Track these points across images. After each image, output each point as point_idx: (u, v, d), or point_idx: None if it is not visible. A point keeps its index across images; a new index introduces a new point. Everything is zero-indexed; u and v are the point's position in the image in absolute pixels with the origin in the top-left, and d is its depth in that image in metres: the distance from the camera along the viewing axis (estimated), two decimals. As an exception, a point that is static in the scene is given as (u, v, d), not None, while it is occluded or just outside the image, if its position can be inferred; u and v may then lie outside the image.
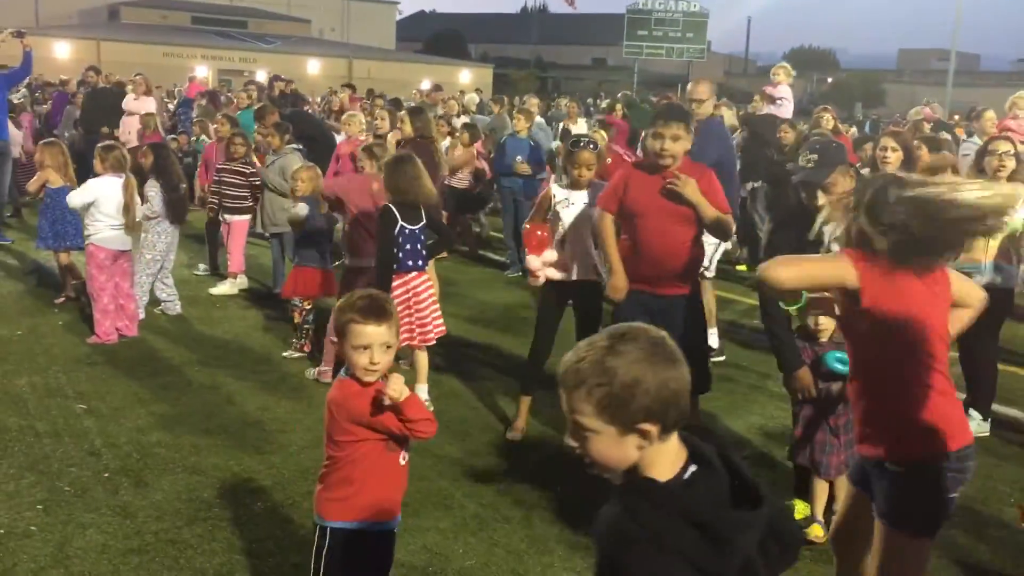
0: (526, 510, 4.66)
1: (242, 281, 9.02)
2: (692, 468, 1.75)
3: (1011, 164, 5.72)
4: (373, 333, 2.90)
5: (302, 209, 6.83)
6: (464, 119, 13.74)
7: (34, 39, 12.99)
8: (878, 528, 3.03)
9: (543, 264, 5.46)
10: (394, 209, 5.64)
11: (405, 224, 5.66)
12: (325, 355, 6.42)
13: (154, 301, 8.00)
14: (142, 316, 7.61)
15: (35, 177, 8.04)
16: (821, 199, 4.18)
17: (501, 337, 7.76)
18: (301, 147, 9.40)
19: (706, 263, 7.09)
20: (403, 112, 9.41)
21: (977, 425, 5.55)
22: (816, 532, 4.36)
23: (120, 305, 7.29)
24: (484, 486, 4.94)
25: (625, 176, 5.02)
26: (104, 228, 7.08)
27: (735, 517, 1.68)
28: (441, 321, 6.02)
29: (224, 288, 8.90)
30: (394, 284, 5.67)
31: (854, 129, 20.66)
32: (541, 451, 5.44)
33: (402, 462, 3.12)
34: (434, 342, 5.99)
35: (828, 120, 10.33)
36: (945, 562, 4.28)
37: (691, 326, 4.99)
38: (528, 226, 5.62)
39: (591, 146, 5.48)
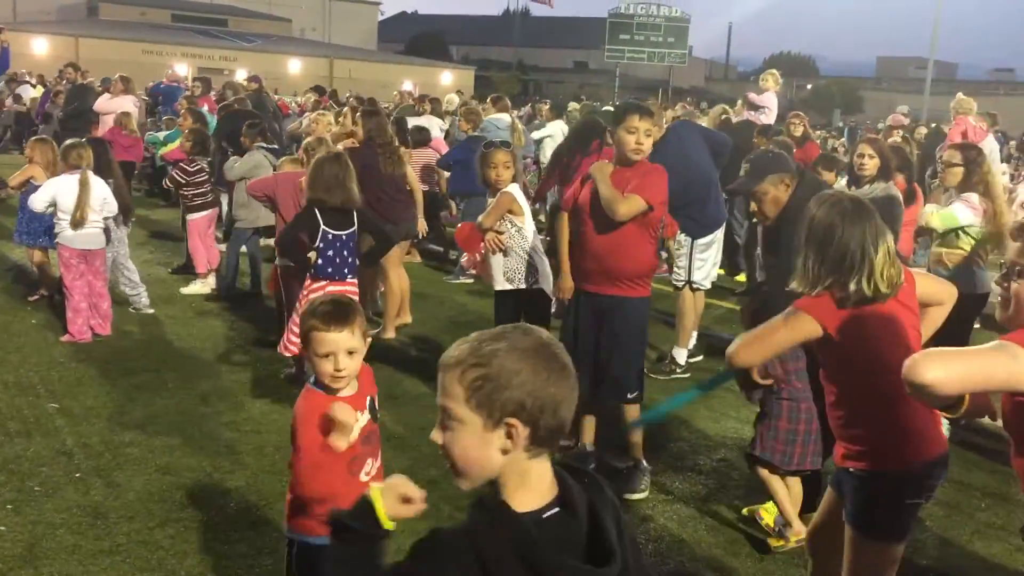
0: (501, 513, 4.65)
1: (210, 281, 8.93)
2: (555, 510, 1.64)
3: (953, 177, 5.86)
4: (336, 339, 2.84)
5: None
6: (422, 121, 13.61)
7: (12, 35, 12.93)
8: (846, 531, 3.07)
9: (479, 259, 5.54)
10: (317, 212, 5.45)
11: (328, 229, 5.47)
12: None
13: (126, 300, 7.93)
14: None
15: (19, 172, 7.91)
16: (752, 206, 4.34)
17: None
18: (275, 146, 9.31)
19: (679, 272, 7.13)
20: (358, 114, 9.01)
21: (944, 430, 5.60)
22: (795, 534, 4.38)
23: (93, 304, 7.23)
24: (460, 489, 4.91)
25: (583, 175, 5.06)
26: (66, 227, 6.99)
27: (574, 569, 1.57)
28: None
29: (195, 288, 8.82)
30: (313, 290, 5.46)
31: (819, 133, 20.86)
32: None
33: (364, 478, 2.97)
34: None
35: (797, 127, 10.43)
36: (914, 567, 4.31)
37: (627, 331, 4.91)
38: (460, 226, 5.66)
39: (504, 145, 5.52)
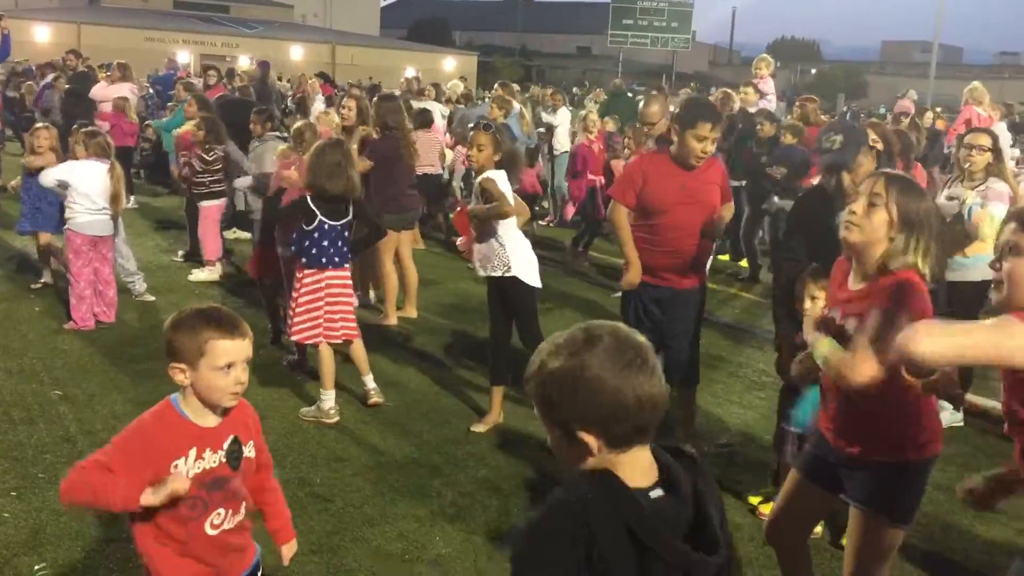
0: (503, 498, 4.67)
1: (218, 269, 8.93)
2: (658, 491, 1.65)
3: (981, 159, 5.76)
4: (238, 348, 2.51)
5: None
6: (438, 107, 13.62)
7: (13, 22, 12.88)
8: (855, 516, 3.08)
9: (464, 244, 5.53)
10: (311, 203, 5.42)
11: (325, 219, 5.44)
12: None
13: (127, 288, 7.93)
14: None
15: (38, 157, 7.86)
16: (846, 179, 4.21)
17: (480, 326, 7.73)
18: (286, 136, 9.29)
19: None
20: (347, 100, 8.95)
21: (950, 415, 5.59)
22: None
23: (99, 291, 7.24)
24: (461, 474, 4.94)
25: (642, 169, 4.99)
26: (82, 213, 7.01)
27: (683, 552, 1.56)
28: (354, 324, 5.70)
29: (202, 275, 8.83)
30: (308, 280, 5.49)
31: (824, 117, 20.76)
32: (519, 440, 5.44)
33: (210, 531, 2.56)
34: (340, 341, 5.66)
35: (814, 111, 10.37)
36: (918, 551, 4.32)
37: (695, 318, 5.12)
38: (459, 208, 5.66)
39: (487, 127, 5.45)
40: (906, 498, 3.05)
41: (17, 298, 7.88)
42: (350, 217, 5.60)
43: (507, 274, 5.37)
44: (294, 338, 5.69)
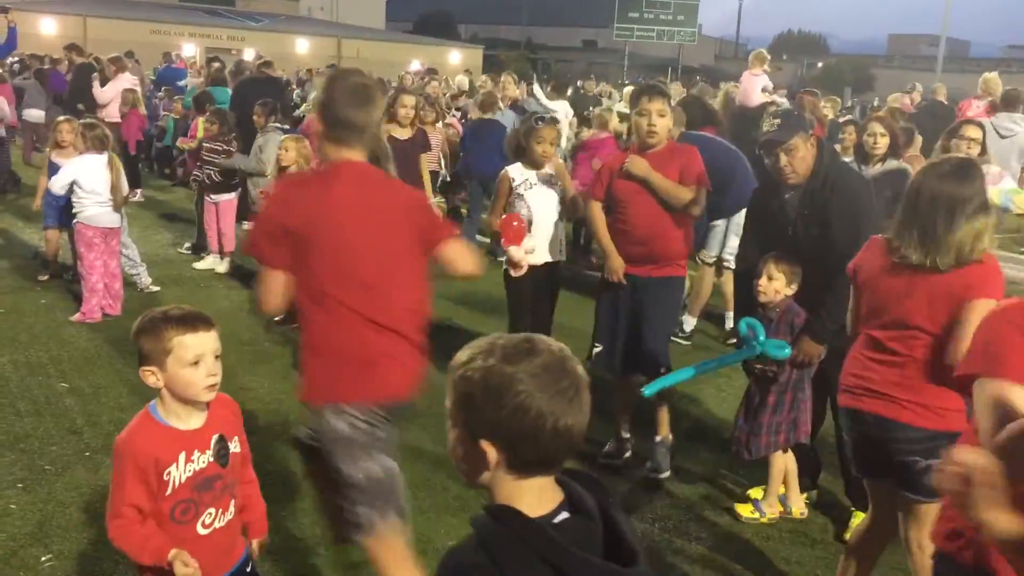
0: (508, 491, 4.67)
1: (227, 261, 8.95)
2: (564, 515, 1.56)
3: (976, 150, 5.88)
4: (204, 340, 2.53)
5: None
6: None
7: (19, 15, 12.88)
8: (916, 506, 3.16)
9: (525, 253, 5.38)
10: None
11: None
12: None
13: (130, 282, 7.94)
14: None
15: (63, 150, 7.87)
16: (782, 159, 4.21)
17: (484, 320, 7.74)
18: (287, 125, 9.31)
19: (711, 249, 7.24)
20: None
21: None
22: (771, 513, 4.53)
23: (106, 284, 7.26)
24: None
25: (611, 163, 5.07)
26: (91, 206, 7.04)
27: (602, 568, 1.49)
28: None
29: (208, 263, 8.86)
30: None
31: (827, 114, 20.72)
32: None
33: (202, 530, 2.58)
34: None
35: (812, 104, 10.34)
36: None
37: (668, 309, 5.09)
38: (503, 217, 5.36)
39: (553, 121, 5.51)
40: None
41: (23, 291, 7.90)
42: None
43: (560, 259, 5.53)
44: None
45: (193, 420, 2.58)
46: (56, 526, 4.15)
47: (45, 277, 8.16)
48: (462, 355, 1.59)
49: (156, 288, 8.03)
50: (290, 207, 3.09)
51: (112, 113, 12.15)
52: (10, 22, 11.57)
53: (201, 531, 2.57)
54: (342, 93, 3.13)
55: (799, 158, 4.21)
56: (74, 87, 13.68)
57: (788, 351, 3.93)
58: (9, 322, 7.04)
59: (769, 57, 12.18)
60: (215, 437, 2.60)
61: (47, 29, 36.09)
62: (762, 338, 3.98)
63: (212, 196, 8.87)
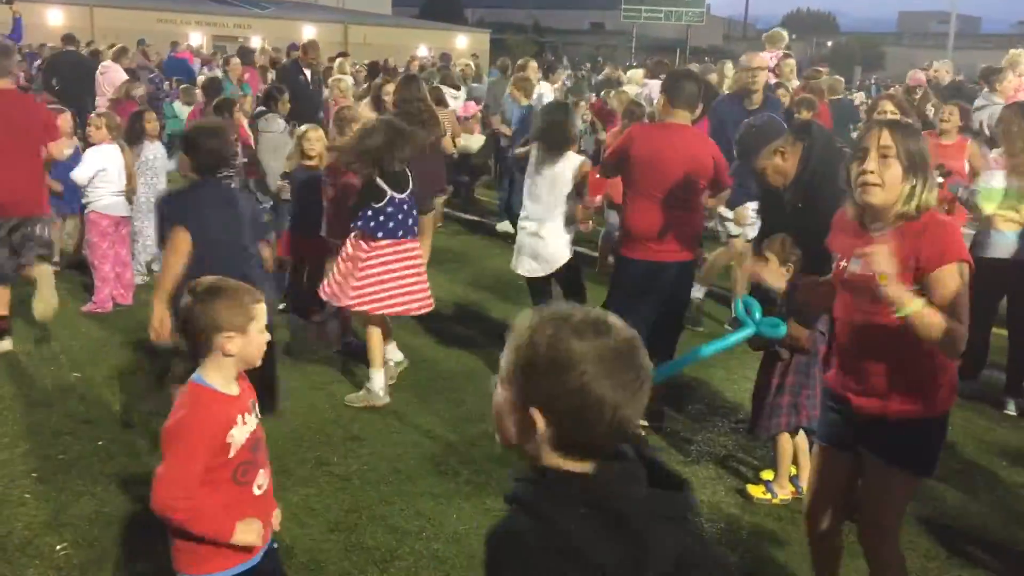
0: (519, 476, 4.68)
1: None
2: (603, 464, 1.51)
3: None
4: (263, 309, 2.68)
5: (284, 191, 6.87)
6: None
7: (24, 5, 12.85)
8: (879, 471, 3.08)
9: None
10: (381, 182, 5.39)
11: (394, 194, 5.42)
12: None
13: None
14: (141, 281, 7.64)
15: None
16: (767, 175, 4.41)
17: (495, 303, 7.75)
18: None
19: (748, 231, 7.21)
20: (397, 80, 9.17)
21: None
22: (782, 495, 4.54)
23: (117, 273, 7.28)
24: (478, 452, 4.95)
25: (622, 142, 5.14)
26: (106, 195, 7.06)
27: (650, 496, 1.47)
28: (429, 295, 5.71)
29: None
30: (386, 251, 5.44)
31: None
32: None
33: (256, 491, 2.71)
34: (420, 312, 5.72)
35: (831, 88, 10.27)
36: (938, 523, 4.32)
37: (685, 292, 5.24)
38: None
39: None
40: (931, 450, 3.08)
41: (35, 282, 7.90)
42: (412, 187, 5.57)
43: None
44: (355, 306, 5.51)
45: (233, 387, 2.67)
46: (70, 515, 4.17)
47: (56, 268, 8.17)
48: (531, 317, 1.52)
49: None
50: None
51: (102, 105, 12.06)
52: (15, 12, 11.55)
53: (256, 492, 2.69)
54: None
55: (777, 167, 4.33)
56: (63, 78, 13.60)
57: (783, 329, 3.89)
58: (21, 312, 7.04)
59: (787, 37, 12.01)
60: (251, 401, 2.72)
61: (54, 20, 36.04)
62: (758, 316, 3.95)
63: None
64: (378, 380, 5.54)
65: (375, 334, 5.55)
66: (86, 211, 7.18)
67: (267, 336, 2.67)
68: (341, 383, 5.84)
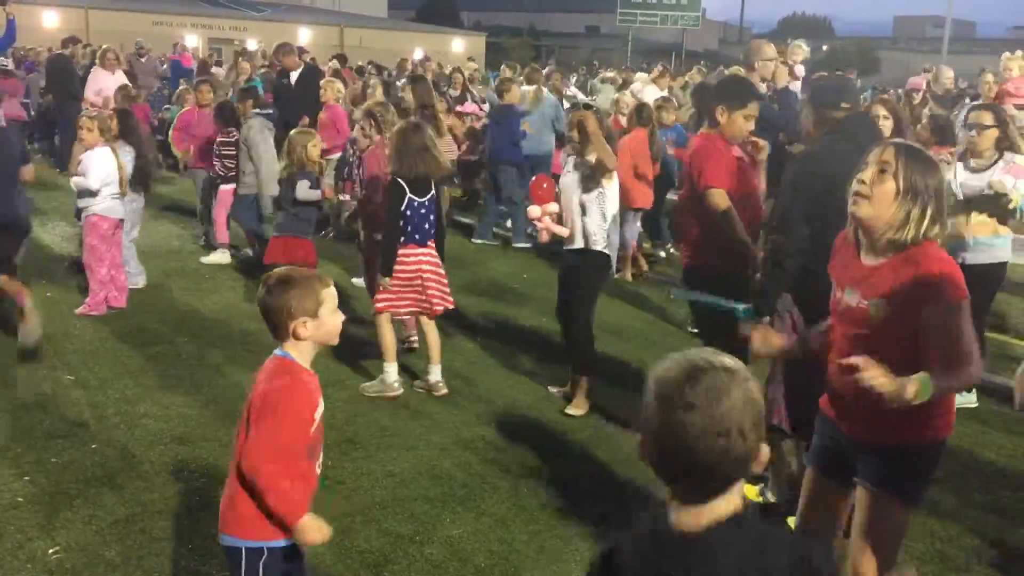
0: (513, 480, 4.67)
1: (228, 252, 8.97)
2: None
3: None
4: (334, 291, 2.85)
5: (312, 195, 6.81)
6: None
7: (19, 7, 12.77)
8: (868, 498, 2.99)
9: (543, 213, 5.45)
10: (402, 182, 5.54)
11: (413, 197, 5.55)
12: None
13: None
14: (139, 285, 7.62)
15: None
16: None
17: (493, 307, 7.75)
18: (269, 111, 9.27)
19: None
20: (404, 82, 9.27)
21: (963, 397, 5.52)
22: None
23: (111, 276, 7.26)
24: (472, 456, 4.94)
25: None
26: (107, 198, 7.02)
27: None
28: (450, 296, 5.87)
29: (215, 257, 8.86)
30: (402, 256, 5.60)
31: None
32: (526, 422, 5.45)
33: (317, 471, 2.90)
34: (440, 312, 5.83)
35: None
36: (933, 527, 4.32)
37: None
38: (535, 177, 5.60)
39: (587, 107, 5.64)
40: (920, 479, 3.00)
41: (28, 284, 7.88)
42: (433, 193, 5.69)
43: (606, 249, 5.46)
44: (378, 306, 5.73)
45: (309, 369, 2.82)
46: (63, 519, 4.15)
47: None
48: (663, 378, 1.62)
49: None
50: None
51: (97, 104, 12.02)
52: (9, 14, 11.46)
53: (317, 471, 2.84)
54: None
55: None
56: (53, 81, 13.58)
57: (743, 308, 3.79)
58: (14, 315, 7.03)
59: (804, 47, 12.00)
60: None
61: (49, 22, 35.96)
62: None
63: (221, 185, 8.85)
64: (392, 372, 5.71)
65: (386, 329, 5.71)
66: (85, 215, 7.13)
67: (341, 316, 2.83)
68: (335, 386, 5.83)
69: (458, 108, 12.26)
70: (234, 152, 8.70)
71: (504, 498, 4.49)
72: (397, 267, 5.61)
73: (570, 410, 5.51)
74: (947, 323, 2.71)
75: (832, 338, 3.08)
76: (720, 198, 4.67)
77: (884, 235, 2.80)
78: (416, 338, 6.42)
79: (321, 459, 2.89)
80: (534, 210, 5.45)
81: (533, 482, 4.65)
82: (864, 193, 2.81)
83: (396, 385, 5.71)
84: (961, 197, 5.65)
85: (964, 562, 4.09)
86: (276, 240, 6.90)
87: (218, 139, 8.81)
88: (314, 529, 2.73)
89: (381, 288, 5.66)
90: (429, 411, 5.54)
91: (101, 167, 6.95)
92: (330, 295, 2.80)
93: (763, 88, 7.14)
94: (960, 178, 5.72)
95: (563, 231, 5.44)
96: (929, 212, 2.76)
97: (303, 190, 6.69)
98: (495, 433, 5.26)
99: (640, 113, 8.78)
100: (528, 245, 9.85)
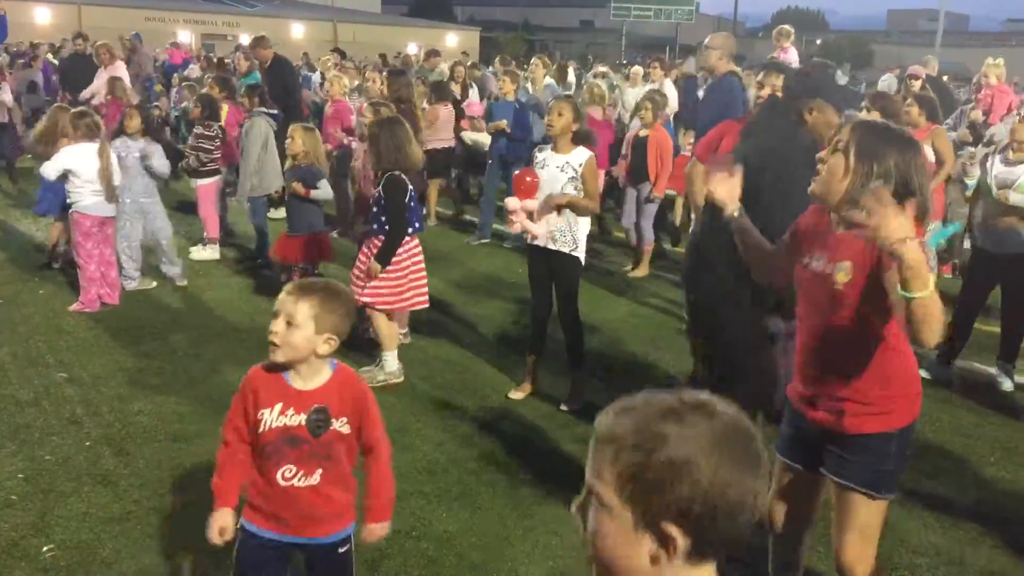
0: (509, 475, 4.67)
1: (218, 247, 8.97)
2: None
3: None
4: (281, 299, 2.86)
5: (326, 194, 6.93)
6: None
7: (10, 3, 12.73)
8: (840, 494, 2.96)
9: (521, 208, 5.33)
10: (404, 176, 5.61)
11: (412, 189, 5.69)
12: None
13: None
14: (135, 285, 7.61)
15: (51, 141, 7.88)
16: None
17: (485, 303, 7.73)
18: (274, 111, 9.23)
19: None
20: (383, 75, 9.30)
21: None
22: None
23: (102, 272, 7.23)
24: (468, 451, 4.94)
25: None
26: (87, 195, 6.99)
27: None
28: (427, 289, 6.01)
29: (205, 253, 8.84)
30: (402, 249, 5.70)
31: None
32: (525, 417, 5.44)
33: (281, 481, 2.79)
34: (426, 304, 6.04)
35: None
36: (926, 519, 4.32)
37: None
38: (518, 171, 5.54)
39: (567, 97, 5.57)
40: (891, 468, 2.92)
41: (22, 281, 7.88)
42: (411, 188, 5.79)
43: (574, 252, 5.36)
44: (374, 304, 5.73)
45: (310, 383, 2.80)
46: (57, 516, 4.14)
47: (57, 265, 8.16)
48: (619, 424, 1.33)
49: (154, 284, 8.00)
50: None
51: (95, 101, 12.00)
52: (0, 10, 11.44)
53: (281, 482, 2.77)
54: None
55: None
56: (71, 75, 13.58)
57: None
58: (8, 313, 7.02)
59: (792, 32, 12.10)
60: (315, 406, 2.77)
61: (41, 18, 35.87)
62: None
63: (197, 181, 8.81)
64: (392, 360, 5.82)
65: (383, 319, 5.79)
66: (70, 211, 7.11)
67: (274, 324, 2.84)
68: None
69: (467, 113, 12.07)
70: (211, 145, 8.67)
71: (500, 494, 4.49)
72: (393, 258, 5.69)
73: (563, 406, 5.50)
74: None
75: (798, 312, 3.04)
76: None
77: (843, 210, 2.76)
78: (407, 330, 6.46)
79: (296, 475, 2.79)
80: (512, 202, 5.34)
81: (529, 478, 4.65)
82: (819, 170, 2.83)
83: (399, 372, 5.83)
84: (996, 190, 5.68)
85: (959, 554, 4.10)
86: (290, 239, 7.03)
87: (195, 130, 8.78)
88: (215, 520, 2.85)
89: (368, 277, 5.68)
90: (422, 407, 5.53)
91: (60, 163, 6.92)
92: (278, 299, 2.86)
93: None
94: (995, 170, 5.75)
95: (536, 229, 5.32)
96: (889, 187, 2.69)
97: (324, 190, 6.94)
98: (490, 428, 5.26)
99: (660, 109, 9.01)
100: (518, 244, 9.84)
